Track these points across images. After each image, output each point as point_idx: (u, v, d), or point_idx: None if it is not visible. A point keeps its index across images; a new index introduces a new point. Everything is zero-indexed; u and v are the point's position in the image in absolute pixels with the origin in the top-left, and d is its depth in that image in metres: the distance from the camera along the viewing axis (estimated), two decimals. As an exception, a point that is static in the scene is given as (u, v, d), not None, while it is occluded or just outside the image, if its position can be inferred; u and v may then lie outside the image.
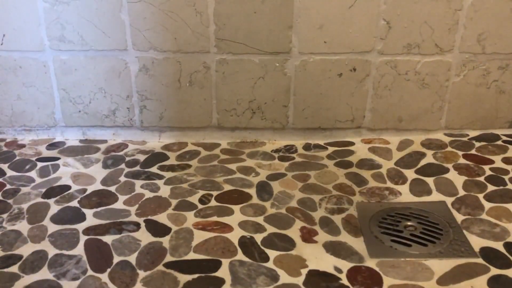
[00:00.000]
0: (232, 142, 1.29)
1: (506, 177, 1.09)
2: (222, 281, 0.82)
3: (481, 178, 1.09)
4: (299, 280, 0.82)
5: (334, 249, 0.89)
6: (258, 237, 0.92)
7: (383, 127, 1.28)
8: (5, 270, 0.85)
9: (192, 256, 0.88)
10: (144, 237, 0.93)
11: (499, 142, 1.25)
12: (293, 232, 0.94)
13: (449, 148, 1.22)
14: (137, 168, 1.17)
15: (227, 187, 1.09)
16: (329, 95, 1.24)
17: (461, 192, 1.05)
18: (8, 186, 1.10)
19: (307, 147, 1.26)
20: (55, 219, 0.99)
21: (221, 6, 1.15)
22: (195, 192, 1.07)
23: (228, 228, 0.95)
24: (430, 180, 1.10)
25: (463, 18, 1.16)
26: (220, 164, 1.18)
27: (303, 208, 1.01)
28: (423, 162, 1.17)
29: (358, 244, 0.91)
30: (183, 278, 0.83)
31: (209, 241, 0.92)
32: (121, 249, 0.90)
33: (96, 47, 1.20)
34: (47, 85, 1.25)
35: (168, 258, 0.87)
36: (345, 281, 0.82)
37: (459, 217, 0.97)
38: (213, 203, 1.03)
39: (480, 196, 1.03)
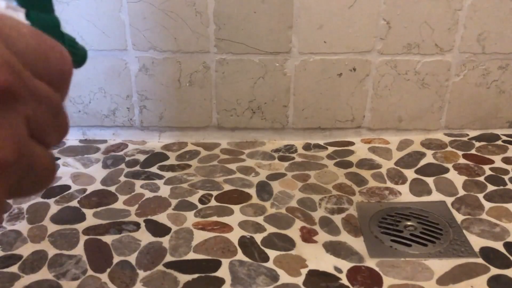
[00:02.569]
0: (232, 142, 1.29)
1: (506, 177, 1.09)
2: (222, 281, 0.82)
3: (481, 178, 1.09)
4: (299, 280, 0.82)
5: (334, 249, 0.89)
6: (258, 237, 0.92)
7: (383, 127, 1.28)
8: (5, 270, 0.85)
9: (192, 256, 0.88)
10: (144, 237, 0.93)
11: (499, 142, 1.24)
12: (293, 232, 0.94)
13: (449, 148, 1.22)
14: (137, 168, 1.17)
15: (227, 187, 1.09)
16: (329, 95, 1.24)
17: (461, 192, 1.05)
18: (8, 186, 1.10)
19: (307, 147, 1.26)
20: (55, 219, 0.99)
21: (221, 6, 1.15)
22: (195, 192, 1.07)
23: (228, 228, 0.95)
24: (430, 180, 1.10)
25: (463, 18, 1.16)
26: (220, 164, 1.18)
27: (303, 208, 1.01)
28: (423, 162, 1.17)
29: (358, 244, 0.91)
30: (183, 278, 0.83)
31: (209, 241, 0.92)
32: (121, 249, 0.90)
33: (96, 47, 1.20)
34: (47, 85, 1.25)
35: (168, 258, 0.87)
36: (345, 281, 0.82)
37: (459, 217, 0.97)
38: (213, 203, 1.03)
39: (480, 196, 1.03)
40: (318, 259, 0.87)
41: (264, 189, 1.07)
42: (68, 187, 1.10)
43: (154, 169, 1.16)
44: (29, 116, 0.21)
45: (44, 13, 0.28)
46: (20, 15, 0.25)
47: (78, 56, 0.31)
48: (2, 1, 0.24)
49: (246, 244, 0.91)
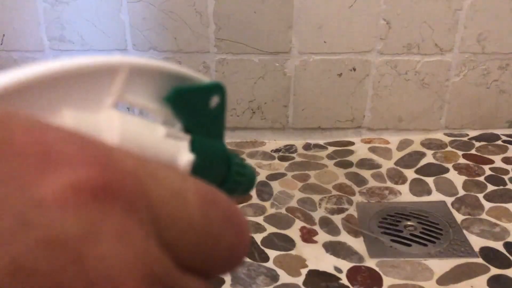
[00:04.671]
0: (232, 142, 1.29)
1: (506, 177, 1.09)
2: (222, 281, 0.82)
3: (481, 178, 1.10)
4: (299, 280, 0.82)
5: (334, 249, 0.89)
6: (258, 237, 0.92)
7: (383, 127, 1.28)
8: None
9: (192, 256, 0.88)
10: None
11: (499, 142, 1.24)
12: (293, 232, 0.94)
13: (449, 148, 1.22)
14: (137, 168, 1.17)
15: (227, 187, 1.08)
16: (329, 95, 1.24)
17: (461, 192, 1.05)
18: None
19: (307, 147, 1.26)
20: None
21: (221, 6, 1.15)
22: (195, 192, 1.07)
23: (228, 228, 0.95)
24: (430, 180, 1.10)
25: (463, 18, 1.16)
26: (220, 164, 1.18)
27: (303, 208, 1.01)
28: (423, 162, 1.17)
29: (358, 244, 0.91)
30: (183, 278, 0.83)
31: (209, 241, 0.92)
32: (121, 249, 0.90)
33: (96, 47, 1.20)
34: (47, 85, 1.25)
35: (168, 258, 0.87)
36: (345, 281, 0.82)
37: (459, 217, 0.97)
38: (213, 203, 1.03)
39: (480, 196, 1.03)
40: (318, 259, 0.87)
41: (264, 189, 1.07)
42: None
43: (154, 169, 1.16)
44: None
45: (211, 137, 0.21)
46: (183, 145, 0.18)
47: (245, 183, 0.23)
48: (161, 127, 0.17)
49: (246, 244, 0.91)
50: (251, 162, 1.19)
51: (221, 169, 0.21)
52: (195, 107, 0.20)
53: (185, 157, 0.18)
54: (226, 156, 0.22)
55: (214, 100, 0.20)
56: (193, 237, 0.14)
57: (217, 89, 0.20)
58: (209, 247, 0.15)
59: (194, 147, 0.19)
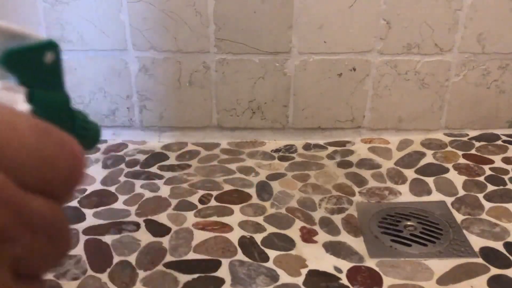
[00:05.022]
0: (232, 142, 1.29)
1: (506, 177, 1.09)
2: (222, 281, 0.82)
3: (481, 178, 1.09)
4: (299, 280, 0.82)
5: (334, 249, 0.89)
6: (258, 237, 0.92)
7: (383, 127, 1.28)
8: (5, 270, 0.85)
9: (192, 256, 0.88)
10: (144, 237, 0.93)
11: (499, 142, 1.24)
12: (293, 232, 0.94)
13: (449, 148, 1.22)
14: (137, 168, 1.17)
15: (227, 187, 1.09)
16: (329, 95, 1.24)
17: (461, 192, 1.05)
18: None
19: (307, 147, 1.26)
20: (55, 219, 0.99)
21: (221, 6, 1.15)
22: (195, 192, 1.07)
23: (228, 228, 0.95)
24: (430, 180, 1.10)
25: (463, 18, 1.16)
26: (220, 164, 1.18)
27: (303, 208, 1.01)
28: (423, 162, 1.17)
29: (358, 244, 0.91)
30: (183, 278, 0.83)
31: (209, 241, 0.92)
32: (121, 249, 0.90)
33: (96, 47, 1.20)
34: (47, 85, 1.25)
35: (168, 258, 0.88)
36: (345, 281, 0.82)
37: (459, 217, 0.97)
38: (213, 203, 1.03)
39: (480, 196, 1.03)
40: (318, 259, 0.87)
41: (264, 189, 1.07)
42: (68, 187, 1.09)
43: (154, 169, 1.16)
44: (18, 255, 0.16)
45: (51, 90, 0.22)
46: (19, 97, 0.20)
47: (90, 138, 0.25)
48: None
49: (246, 244, 0.91)
50: (251, 162, 1.19)
51: (64, 121, 0.23)
52: (29, 64, 0.21)
53: (21, 107, 0.19)
54: (69, 110, 0.24)
55: (49, 56, 0.22)
56: (29, 160, 0.16)
57: (50, 45, 0.22)
58: (48, 168, 0.17)
59: (34, 100, 0.20)
